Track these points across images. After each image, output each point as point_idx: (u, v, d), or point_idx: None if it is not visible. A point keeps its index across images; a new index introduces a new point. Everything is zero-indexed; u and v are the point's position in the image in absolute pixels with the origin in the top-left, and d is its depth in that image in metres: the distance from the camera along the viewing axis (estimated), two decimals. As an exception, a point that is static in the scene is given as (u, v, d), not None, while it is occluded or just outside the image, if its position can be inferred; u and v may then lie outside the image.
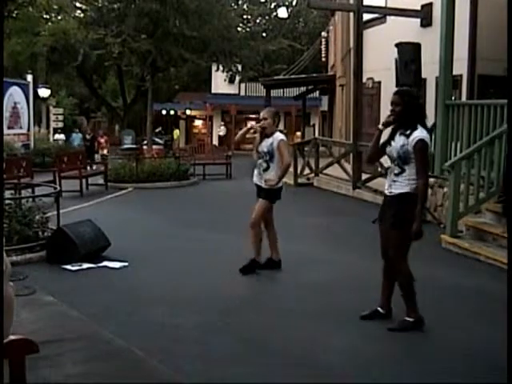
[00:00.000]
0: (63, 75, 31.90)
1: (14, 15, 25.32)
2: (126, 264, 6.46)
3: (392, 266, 4.48)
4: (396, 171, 4.33)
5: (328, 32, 25.03)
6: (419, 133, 4.21)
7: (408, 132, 4.25)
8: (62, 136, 23.98)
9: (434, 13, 11.39)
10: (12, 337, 2.14)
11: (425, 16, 11.90)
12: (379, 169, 11.47)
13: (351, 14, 13.14)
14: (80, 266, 6.34)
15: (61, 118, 25.42)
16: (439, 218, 8.55)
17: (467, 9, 10.41)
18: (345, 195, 12.07)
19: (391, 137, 4.40)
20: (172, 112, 39.41)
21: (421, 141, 4.19)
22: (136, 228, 8.83)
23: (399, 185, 4.30)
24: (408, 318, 4.39)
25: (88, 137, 23.22)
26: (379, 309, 4.61)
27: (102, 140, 24.90)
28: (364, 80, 12.84)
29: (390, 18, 13.53)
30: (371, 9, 12.80)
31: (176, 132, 34.67)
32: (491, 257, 6.35)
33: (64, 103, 32.24)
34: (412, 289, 4.38)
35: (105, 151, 23.96)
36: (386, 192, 4.46)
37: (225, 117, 35.60)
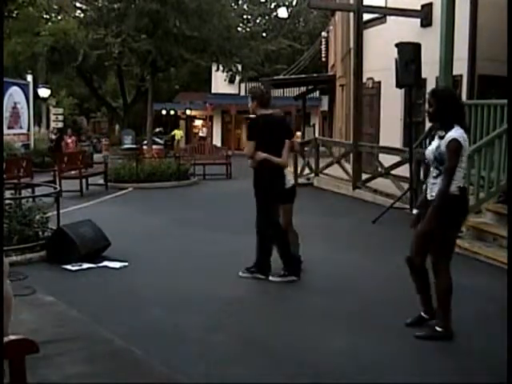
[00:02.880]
0: (63, 75, 31.90)
1: (14, 15, 25.33)
2: (126, 264, 6.47)
3: (422, 269, 4.35)
4: (434, 174, 4.23)
5: (328, 32, 25.03)
6: (453, 132, 4.10)
7: (443, 134, 4.16)
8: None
9: (434, 13, 11.39)
10: (12, 337, 2.14)
11: (425, 16, 11.90)
12: (379, 169, 11.49)
13: (351, 13, 13.14)
14: (80, 265, 6.34)
15: (61, 118, 25.42)
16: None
17: (467, 9, 10.42)
18: (345, 195, 12.06)
19: (432, 139, 4.34)
20: (172, 112, 39.43)
21: (454, 140, 4.07)
22: (136, 228, 8.83)
23: (438, 187, 4.17)
24: (438, 328, 4.25)
25: (53, 137, 20.59)
26: (422, 314, 4.48)
27: (69, 140, 22.19)
28: (364, 80, 12.84)
29: (390, 18, 13.53)
30: (371, 9, 12.80)
31: (179, 133, 34.61)
32: (491, 257, 6.35)
33: (64, 103, 32.28)
34: (446, 298, 4.22)
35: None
36: (428, 196, 4.29)
37: (225, 117, 35.61)
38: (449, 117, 4.18)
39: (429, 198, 4.30)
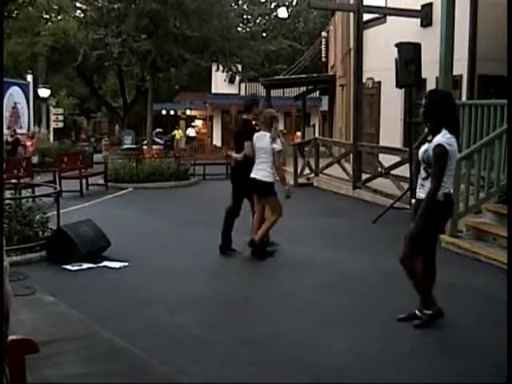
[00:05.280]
0: (63, 75, 31.92)
1: (14, 15, 25.31)
2: (126, 264, 6.47)
3: (410, 267, 4.43)
4: (423, 175, 4.31)
5: (328, 32, 25.02)
6: (441, 137, 4.14)
7: (431, 137, 4.23)
8: None
9: (434, 13, 11.39)
10: (12, 337, 2.14)
11: (425, 16, 11.89)
12: (379, 169, 11.48)
13: (351, 13, 13.15)
14: (80, 265, 6.34)
15: (61, 118, 25.43)
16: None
17: (467, 9, 10.41)
18: (345, 195, 12.06)
19: (423, 141, 4.41)
20: (172, 112, 39.40)
21: (439, 146, 4.11)
22: (136, 228, 8.83)
23: (425, 190, 4.25)
24: (427, 312, 4.40)
25: (10, 139, 18.30)
26: (417, 312, 4.53)
27: (29, 143, 18.71)
28: (364, 80, 12.84)
29: (389, 18, 13.52)
30: (371, 9, 12.80)
31: (179, 132, 34.53)
32: (491, 257, 6.35)
33: (64, 103, 32.25)
34: (422, 285, 4.40)
35: (33, 158, 17.31)
36: (417, 196, 4.43)
37: (225, 117, 35.59)
38: (436, 120, 4.23)
39: (417, 197, 4.43)
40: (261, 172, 6.61)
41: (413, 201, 4.70)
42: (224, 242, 6.90)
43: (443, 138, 4.14)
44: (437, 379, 3.66)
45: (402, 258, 4.39)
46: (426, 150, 4.24)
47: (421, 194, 4.33)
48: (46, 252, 6.69)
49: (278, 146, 6.60)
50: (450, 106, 4.37)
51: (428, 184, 4.24)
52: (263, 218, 6.78)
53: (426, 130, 4.46)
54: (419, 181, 4.39)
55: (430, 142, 4.24)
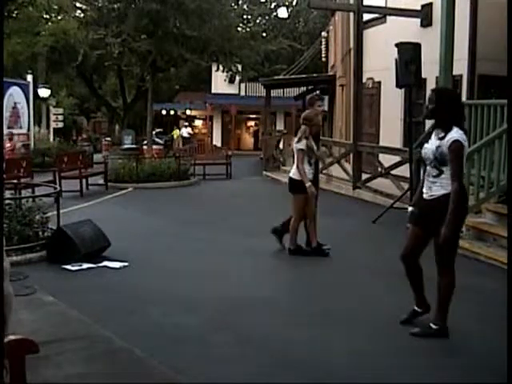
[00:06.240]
0: (63, 75, 31.91)
1: (14, 15, 25.30)
2: (126, 264, 6.47)
3: (418, 267, 4.41)
4: (434, 173, 4.21)
5: (328, 32, 25.00)
6: (454, 133, 4.09)
7: (442, 134, 4.15)
8: None
9: (434, 13, 11.39)
10: (12, 337, 2.14)
11: (425, 16, 11.90)
12: (379, 169, 11.49)
13: (351, 13, 13.15)
14: (80, 265, 6.34)
15: (61, 118, 25.41)
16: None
17: (467, 9, 10.42)
18: (345, 195, 12.06)
19: (427, 138, 4.34)
20: (172, 112, 39.40)
21: (456, 141, 4.06)
22: (136, 228, 8.83)
23: (439, 186, 4.17)
24: (433, 326, 4.28)
25: None
26: (416, 308, 4.53)
27: (8, 144, 16.28)
28: (364, 80, 12.84)
29: (389, 18, 13.52)
30: (371, 9, 12.82)
31: (176, 132, 34.52)
32: (491, 257, 6.35)
33: (64, 103, 32.25)
34: (450, 296, 4.25)
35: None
36: (425, 196, 4.30)
37: (225, 117, 35.59)
38: (448, 117, 4.18)
39: (427, 197, 4.30)
40: (292, 170, 6.97)
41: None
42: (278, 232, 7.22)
43: (457, 133, 4.10)
44: (437, 379, 3.66)
45: (407, 254, 4.36)
46: (439, 147, 4.14)
47: (434, 192, 4.21)
48: (46, 252, 6.70)
49: (299, 145, 6.78)
50: (459, 103, 4.40)
51: (440, 181, 4.16)
52: (311, 219, 7.00)
53: (427, 128, 4.42)
54: (430, 179, 4.26)
55: (441, 139, 4.15)
